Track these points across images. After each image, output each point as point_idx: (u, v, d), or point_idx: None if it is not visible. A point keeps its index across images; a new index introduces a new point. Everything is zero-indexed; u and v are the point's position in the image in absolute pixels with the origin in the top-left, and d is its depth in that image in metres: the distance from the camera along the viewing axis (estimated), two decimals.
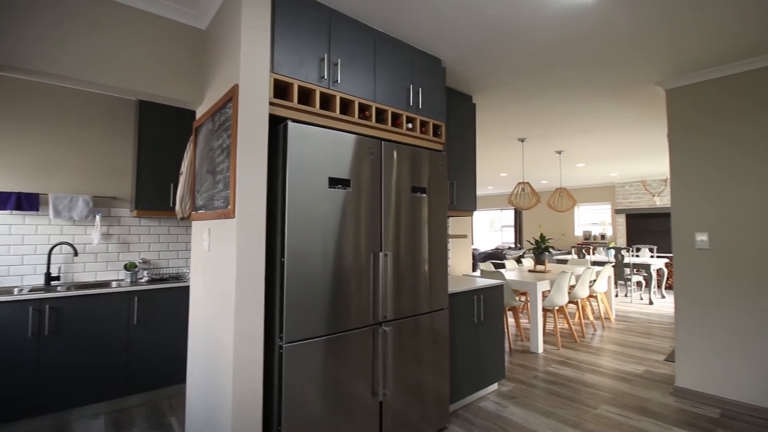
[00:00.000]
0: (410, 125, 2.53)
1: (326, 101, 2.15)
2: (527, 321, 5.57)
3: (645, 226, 9.59)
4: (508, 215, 13.36)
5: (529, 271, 5.33)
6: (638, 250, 8.50)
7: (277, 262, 1.84)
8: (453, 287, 2.77)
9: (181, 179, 2.47)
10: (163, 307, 2.95)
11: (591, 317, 5.15)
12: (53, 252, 2.97)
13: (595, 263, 7.59)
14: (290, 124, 1.84)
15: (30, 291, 2.64)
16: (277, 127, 1.92)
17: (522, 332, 4.79)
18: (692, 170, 3.07)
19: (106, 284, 2.99)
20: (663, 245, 9.10)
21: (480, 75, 3.16)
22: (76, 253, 2.96)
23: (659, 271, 7.40)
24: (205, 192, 2.15)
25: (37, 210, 2.87)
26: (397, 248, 2.27)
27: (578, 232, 11.14)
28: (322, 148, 1.94)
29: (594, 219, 11.01)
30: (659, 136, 5.20)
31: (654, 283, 6.95)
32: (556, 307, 4.36)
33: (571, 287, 5.03)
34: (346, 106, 2.22)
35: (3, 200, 2.73)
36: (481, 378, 2.93)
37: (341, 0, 2.14)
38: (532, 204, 5.95)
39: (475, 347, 2.89)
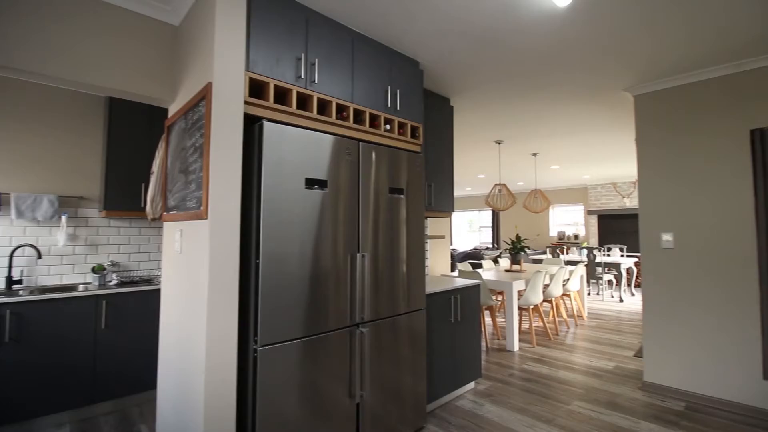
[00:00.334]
0: (388, 126, 2.53)
1: (303, 101, 2.13)
2: (504, 320, 5.67)
3: (616, 227, 9.94)
4: (487, 216, 13.57)
5: (506, 270, 5.43)
6: (609, 249, 8.79)
7: (252, 264, 1.81)
8: (431, 287, 2.80)
9: (153, 179, 2.40)
10: (134, 311, 2.85)
11: (564, 315, 5.29)
12: (15, 254, 2.83)
13: (568, 263, 7.80)
14: (266, 123, 1.82)
15: None
16: (252, 127, 1.89)
17: (498, 331, 4.88)
18: (658, 173, 3.20)
19: (72, 288, 2.87)
20: (632, 245, 9.44)
21: (457, 78, 3.20)
22: (39, 256, 2.83)
23: (629, 270, 7.67)
24: (178, 192, 2.09)
25: None
26: (375, 249, 2.27)
27: (553, 233, 11.44)
28: (298, 149, 1.93)
29: (568, 220, 11.33)
30: (629, 140, 5.40)
31: (624, 281, 7.21)
32: (531, 306, 4.46)
33: (546, 286, 5.16)
34: (323, 107, 2.20)
35: None
36: (458, 377, 2.96)
37: (319, 0, 2.13)
38: (508, 205, 6.06)
39: (453, 347, 2.92)
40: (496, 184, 6.19)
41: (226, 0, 1.80)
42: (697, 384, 2.94)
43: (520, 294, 4.79)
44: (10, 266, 2.76)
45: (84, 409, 2.68)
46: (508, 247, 5.96)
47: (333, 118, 2.17)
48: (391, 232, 2.38)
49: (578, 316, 5.84)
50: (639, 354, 4.04)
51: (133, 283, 3.06)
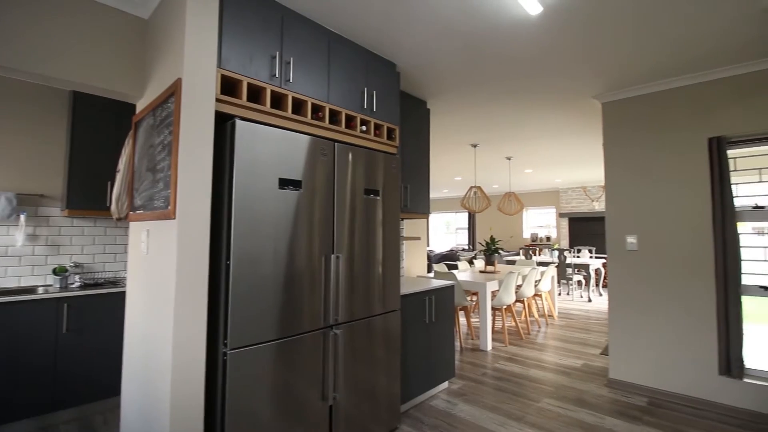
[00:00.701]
0: (364, 128, 2.53)
1: (278, 100, 2.10)
2: (478, 320, 5.76)
3: (585, 229, 10.27)
4: (463, 218, 13.76)
5: (480, 271, 5.52)
6: (579, 251, 9.07)
7: (223, 266, 1.77)
8: (406, 288, 2.81)
9: (118, 177, 2.32)
10: (98, 314, 2.73)
11: (536, 315, 5.43)
12: None
13: (540, 264, 8.01)
14: (238, 122, 1.78)
15: None
16: (224, 125, 1.85)
17: (473, 331, 4.95)
18: (623, 177, 3.33)
19: (31, 290, 2.72)
20: (601, 247, 9.76)
21: (434, 81, 3.23)
22: None
23: (597, 271, 7.95)
24: (145, 191, 2.02)
25: None
26: (350, 250, 2.27)
27: (526, 234, 11.72)
28: (272, 148, 1.90)
29: (540, 222, 11.64)
30: (597, 145, 5.59)
31: (593, 281, 7.47)
32: (504, 306, 4.55)
33: (518, 287, 5.27)
34: (298, 106, 2.18)
35: None
36: (432, 377, 2.99)
37: None
38: (483, 207, 6.17)
39: (427, 347, 2.94)
40: (471, 187, 6.29)
41: None
42: (659, 380, 3.07)
43: (493, 294, 4.88)
44: None
45: (45, 416, 2.55)
46: (483, 248, 6.07)
47: (308, 118, 2.15)
48: (367, 233, 2.38)
49: (549, 315, 6.00)
50: (605, 352, 4.19)
51: (97, 285, 2.94)
